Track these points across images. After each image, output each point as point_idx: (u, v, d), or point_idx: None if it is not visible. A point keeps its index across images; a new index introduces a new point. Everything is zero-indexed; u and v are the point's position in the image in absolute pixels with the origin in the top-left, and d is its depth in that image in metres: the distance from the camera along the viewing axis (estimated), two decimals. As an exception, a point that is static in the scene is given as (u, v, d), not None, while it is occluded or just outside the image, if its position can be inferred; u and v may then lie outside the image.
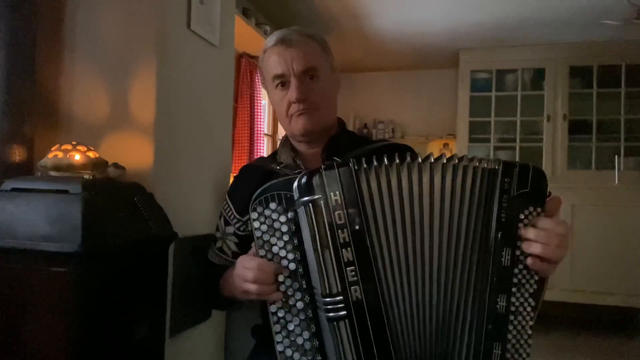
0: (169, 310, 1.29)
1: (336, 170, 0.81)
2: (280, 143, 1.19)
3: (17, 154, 1.23)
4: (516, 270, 0.83)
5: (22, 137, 1.24)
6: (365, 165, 0.82)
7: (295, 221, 0.86)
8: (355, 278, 0.80)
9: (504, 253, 0.82)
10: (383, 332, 0.80)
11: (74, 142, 1.13)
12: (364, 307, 0.80)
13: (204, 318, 1.49)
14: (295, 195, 0.84)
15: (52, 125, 1.32)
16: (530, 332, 0.84)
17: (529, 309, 0.83)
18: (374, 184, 0.82)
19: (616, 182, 3.63)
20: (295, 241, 0.86)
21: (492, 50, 4.04)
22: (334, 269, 0.80)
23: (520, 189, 0.82)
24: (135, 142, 1.27)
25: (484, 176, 0.83)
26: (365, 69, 4.73)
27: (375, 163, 0.83)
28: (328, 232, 0.80)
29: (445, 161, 0.83)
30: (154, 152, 1.26)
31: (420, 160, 0.84)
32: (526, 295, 0.83)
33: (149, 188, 1.21)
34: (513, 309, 0.83)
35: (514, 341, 0.84)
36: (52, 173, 1.09)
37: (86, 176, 1.07)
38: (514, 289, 0.83)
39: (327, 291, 0.80)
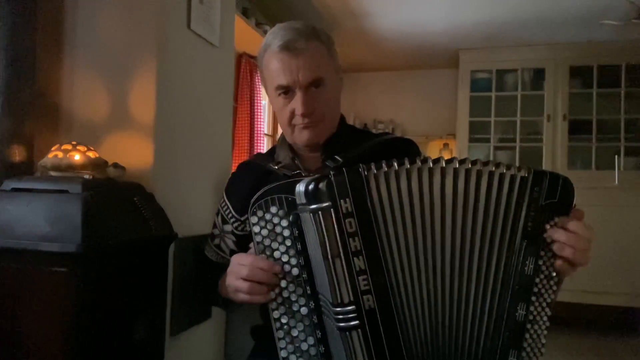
0: (169, 310, 1.28)
1: (345, 176, 0.78)
2: (279, 140, 1.16)
3: (17, 154, 1.23)
4: (537, 280, 0.83)
5: (22, 137, 1.24)
6: (374, 171, 0.80)
7: (297, 225, 0.84)
8: (367, 287, 0.78)
9: (527, 262, 0.82)
10: (396, 340, 0.79)
11: (74, 142, 1.13)
12: (377, 316, 0.78)
13: (204, 318, 1.49)
14: (300, 200, 0.81)
15: (52, 125, 1.32)
16: (544, 341, 0.84)
17: (545, 318, 0.84)
18: (384, 190, 0.80)
19: (616, 182, 3.63)
20: (298, 246, 0.84)
21: (492, 50, 4.04)
22: (345, 278, 0.77)
23: (549, 199, 0.83)
24: (135, 142, 1.27)
25: (513, 183, 0.83)
26: (365, 69, 4.73)
27: (384, 167, 0.80)
28: (339, 241, 0.77)
29: (469, 166, 0.81)
30: (154, 152, 1.26)
31: (443, 164, 0.82)
32: (544, 304, 0.84)
33: (149, 188, 1.21)
34: (531, 317, 0.84)
35: (528, 349, 0.84)
36: (52, 173, 1.09)
37: (86, 176, 1.07)
38: (533, 298, 0.83)
39: (339, 300, 0.78)
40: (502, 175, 0.82)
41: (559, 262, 0.83)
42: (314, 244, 0.80)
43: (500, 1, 3.13)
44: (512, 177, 0.83)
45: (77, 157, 1.09)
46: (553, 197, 0.83)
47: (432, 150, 4.56)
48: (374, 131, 1.23)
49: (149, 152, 1.26)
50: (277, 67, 1.00)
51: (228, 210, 1.13)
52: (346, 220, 0.77)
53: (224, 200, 1.16)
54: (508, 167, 0.83)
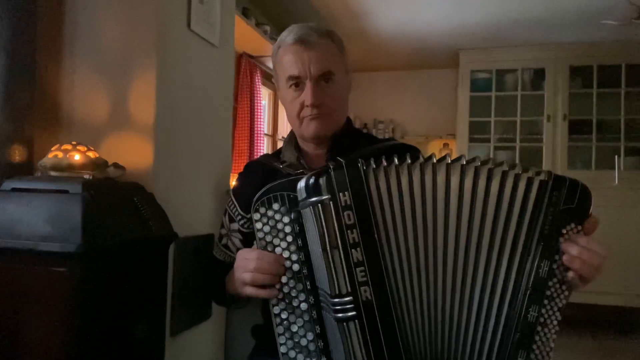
0: (169, 310, 1.29)
1: (345, 170, 0.81)
2: (285, 141, 1.18)
3: (17, 154, 1.23)
4: (550, 283, 0.84)
5: (22, 137, 1.25)
6: (373, 166, 0.82)
7: (299, 222, 0.86)
8: (365, 278, 0.79)
9: (542, 265, 0.83)
10: (393, 332, 0.80)
11: (74, 142, 1.13)
12: (374, 307, 0.79)
13: (204, 318, 1.49)
14: (301, 195, 0.83)
15: (52, 125, 1.32)
16: (552, 345, 0.85)
17: (555, 322, 0.85)
18: (383, 184, 0.82)
19: (616, 182, 3.63)
20: (299, 242, 0.86)
21: (492, 50, 4.04)
22: (343, 270, 0.79)
23: (567, 204, 0.83)
24: (135, 142, 1.27)
25: (530, 186, 0.83)
26: (365, 69, 4.73)
27: (384, 163, 0.82)
28: (337, 233, 0.79)
29: (478, 164, 0.82)
30: (154, 152, 1.26)
31: (449, 160, 0.83)
32: (555, 308, 0.85)
33: (149, 188, 1.21)
34: (542, 320, 0.84)
35: (537, 352, 0.84)
36: (52, 173, 1.09)
37: (86, 176, 1.07)
38: (545, 301, 0.84)
39: (337, 292, 0.79)
40: (517, 177, 0.83)
41: (571, 274, 0.83)
42: (314, 237, 0.82)
43: (500, 1, 3.13)
44: (530, 180, 0.83)
45: (77, 157, 1.09)
46: (571, 203, 0.83)
47: (432, 150, 4.56)
48: (374, 132, 1.24)
49: (149, 152, 1.26)
50: (290, 59, 1.04)
51: (235, 209, 1.15)
52: (345, 213, 0.80)
53: (231, 199, 1.17)
54: (525, 169, 0.83)
